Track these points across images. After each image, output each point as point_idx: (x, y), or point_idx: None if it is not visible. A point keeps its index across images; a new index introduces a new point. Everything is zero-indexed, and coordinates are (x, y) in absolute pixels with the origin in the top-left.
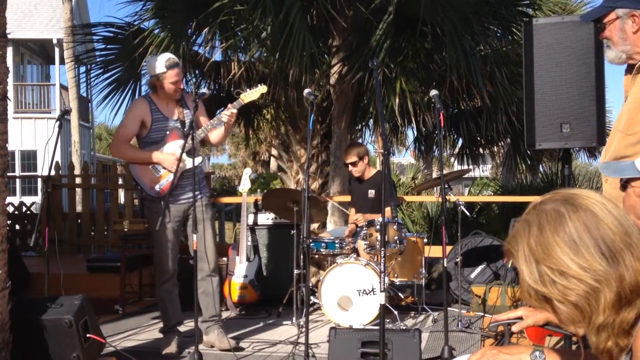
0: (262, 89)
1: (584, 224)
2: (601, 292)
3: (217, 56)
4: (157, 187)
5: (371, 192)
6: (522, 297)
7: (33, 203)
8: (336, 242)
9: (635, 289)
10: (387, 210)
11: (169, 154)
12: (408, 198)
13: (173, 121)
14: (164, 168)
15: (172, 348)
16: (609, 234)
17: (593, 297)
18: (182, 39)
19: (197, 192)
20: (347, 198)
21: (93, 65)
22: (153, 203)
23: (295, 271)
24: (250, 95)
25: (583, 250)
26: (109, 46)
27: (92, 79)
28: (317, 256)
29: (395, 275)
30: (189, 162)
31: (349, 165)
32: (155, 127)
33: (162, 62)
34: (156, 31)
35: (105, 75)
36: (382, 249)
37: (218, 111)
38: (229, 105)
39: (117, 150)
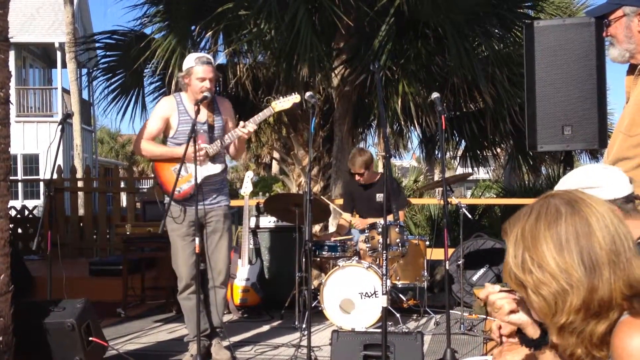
0: (294, 98)
1: (575, 229)
2: (569, 296)
3: (222, 60)
4: (176, 190)
5: (379, 197)
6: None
7: (35, 207)
8: (338, 245)
9: (606, 305)
10: (401, 214)
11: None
12: (410, 200)
13: (200, 124)
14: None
15: (185, 358)
16: (595, 247)
17: (561, 298)
18: (187, 43)
19: (216, 200)
20: None
21: (97, 72)
22: (171, 207)
23: (297, 274)
24: (282, 104)
25: (566, 253)
26: (112, 53)
27: (96, 86)
28: (319, 259)
29: (398, 278)
30: (212, 169)
31: (356, 175)
32: (182, 129)
33: (192, 58)
34: (157, 36)
35: (109, 82)
36: (384, 251)
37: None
38: (256, 115)
39: (138, 146)
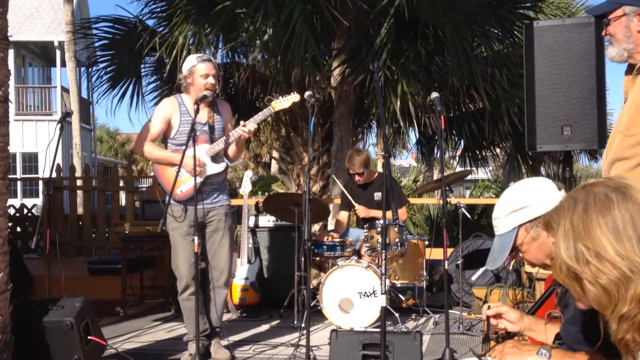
0: (294, 97)
1: (630, 215)
2: (633, 283)
3: (222, 58)
4: (178, 191)
5: (377, 195)
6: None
7: (34, 205)
8: (337, 244)
9: None
10: (401, 211)
11: (191, 158)
12: (409, 200)
13: (201, 124)
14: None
15: (184, 357)
16: None
17: (623, 285)
18: (194, 42)
19: (217, 199)
20: None
21: (96, 58)
22: (173, 206)
23: (297, 273)
24: (282, 103)
25: (624, 239)
26: (112, 43)
27: (93, 75)
28: (318, 258)
29: (397, 278)
30: (212, 168)
31: (356, 175)
32: (183, 129)
33: (193, 57)
34: (161, 29)
35: (107, 69)
36: (383, 251)
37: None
38: (256, 115)
39: (140, 148)
